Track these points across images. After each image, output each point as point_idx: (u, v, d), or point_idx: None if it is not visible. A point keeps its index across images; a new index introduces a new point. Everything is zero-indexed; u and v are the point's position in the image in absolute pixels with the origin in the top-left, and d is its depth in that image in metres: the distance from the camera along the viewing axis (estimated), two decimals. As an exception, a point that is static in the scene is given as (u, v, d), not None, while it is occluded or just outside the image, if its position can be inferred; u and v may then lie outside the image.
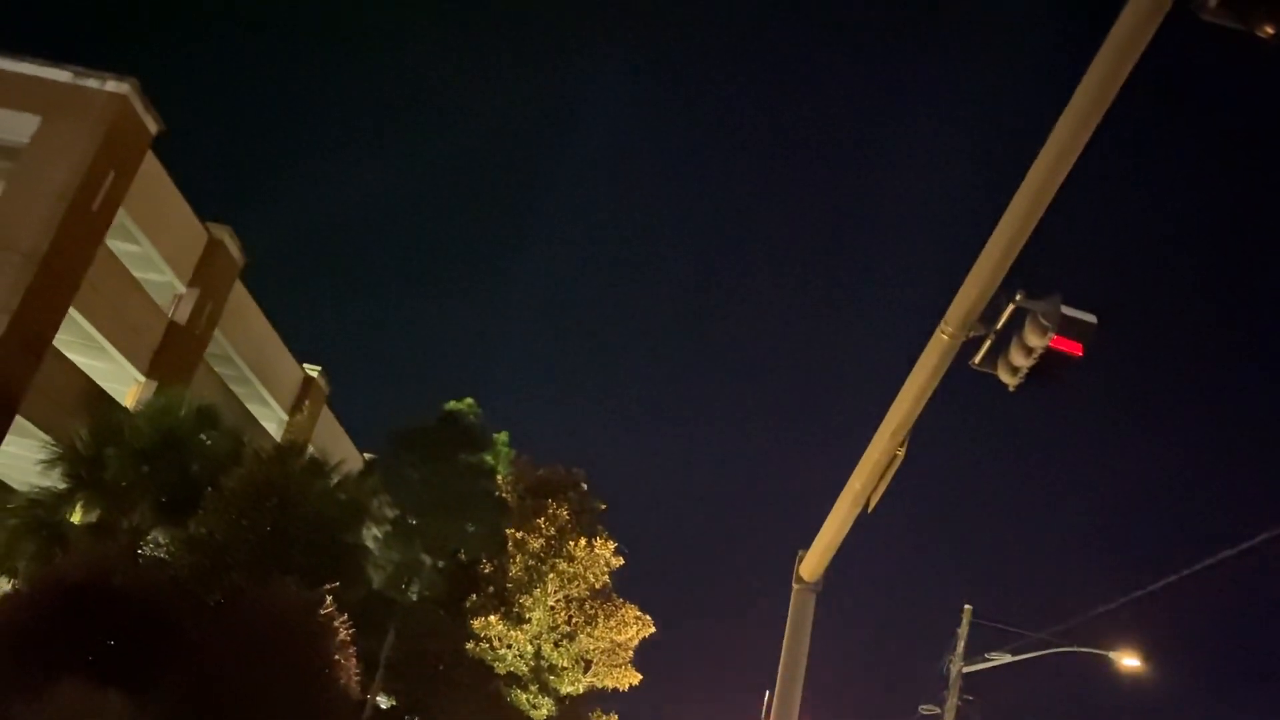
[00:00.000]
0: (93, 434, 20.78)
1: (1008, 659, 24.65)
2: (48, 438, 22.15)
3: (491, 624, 29.93)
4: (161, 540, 20.16)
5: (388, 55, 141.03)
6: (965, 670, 25.33)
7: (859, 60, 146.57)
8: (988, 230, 9.90)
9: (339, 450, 34.76)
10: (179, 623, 16.54)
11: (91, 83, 24.14)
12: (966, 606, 25.77)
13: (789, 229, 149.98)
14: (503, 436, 34.18)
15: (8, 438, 23.12)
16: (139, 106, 24.54)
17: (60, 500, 20.13)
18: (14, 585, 18.62)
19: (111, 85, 24.15)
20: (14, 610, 16.01)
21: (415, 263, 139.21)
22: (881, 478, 13.76)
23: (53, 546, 19.36)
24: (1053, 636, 23.88)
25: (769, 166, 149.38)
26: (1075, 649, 24.10)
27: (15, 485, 22.41)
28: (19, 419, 23.15)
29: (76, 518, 20.50)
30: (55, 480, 20.26)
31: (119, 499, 20.14)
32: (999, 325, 10.57)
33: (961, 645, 25.47)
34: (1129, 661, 24.16)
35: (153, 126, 25.21)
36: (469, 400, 32.69)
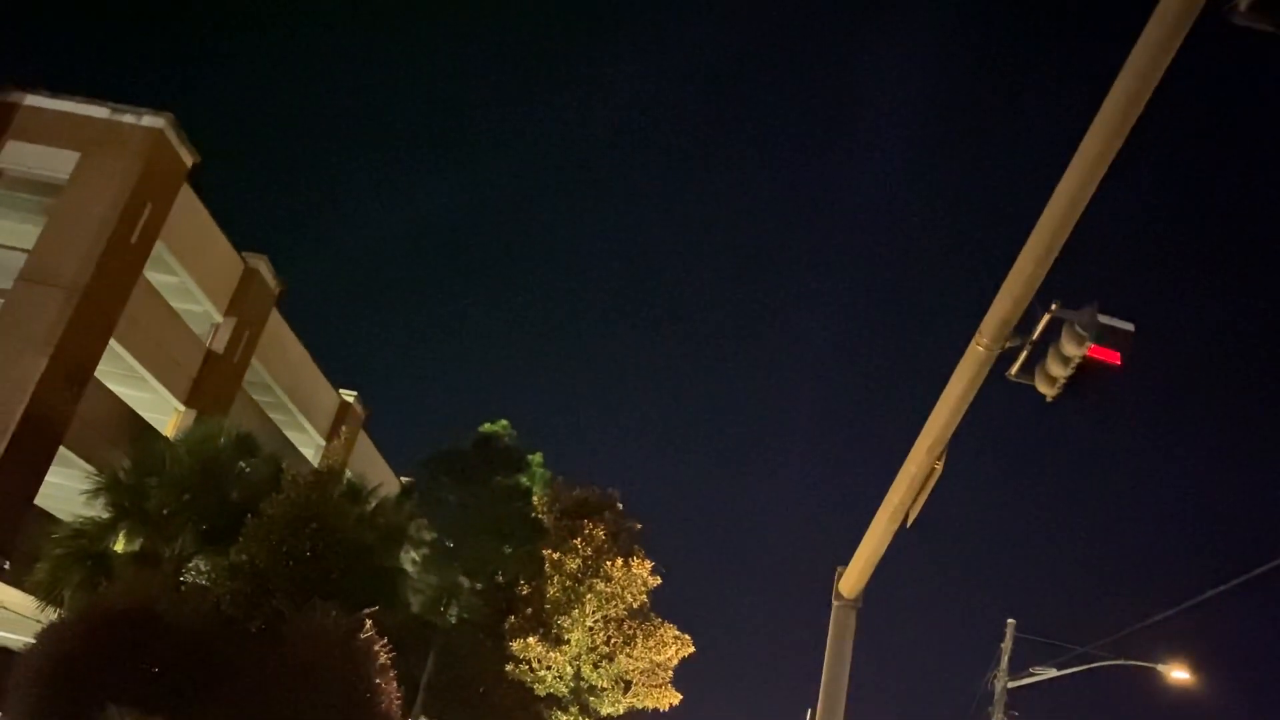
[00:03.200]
0: (135, 464, 21.02)
1: (1053, 674, 24.25)
2: (91, 468, 22.46)
3: (531, 646, 29.88)
4: (203, 568, 20.30)
5: (421, 82, 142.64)
6: (1009, 686, 24.95)
7: (880, 66, 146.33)
8: (1024, 238, 9.82)
9: (376, 474, 34.94)
10: (222, 649, 16.67)
11: (128, 118, 24.60)
12: (1010, 620, 25.41)
13: (819, 242, 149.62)
14: (538, 458, 34.21)
15: (52, 468, 23.48)
16: (174, 140, 24.96)
17: (104, 530, 20.33)
18: (60, 614, 18.83)
19: (148, 120, 24.60)
20: (61, 639, 16.20)
21: (449, 287, 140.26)
22: (920, 492, 13.68)
23: (97, 576, 19.55)
24: (1099, 650, 23.48)
25: (800, 180, 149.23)
26: (1123, 662, 23.66)
27: (60, 515, 22.69)
28: (63, 450, 23.52)
29: (120, 547, 20.71)
30: (99, 510, 20.48)
31: (161, 528, 20.33)
32: (1035, 335, 10.47)
33: (1005, 660, 25.11)
34: (1178, 675, 23.69)
35: (188, 159, 25.62)
36: (504, 422, 32.78)
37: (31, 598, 20.41)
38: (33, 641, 16.74)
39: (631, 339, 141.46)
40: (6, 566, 22.24)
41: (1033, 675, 24.62)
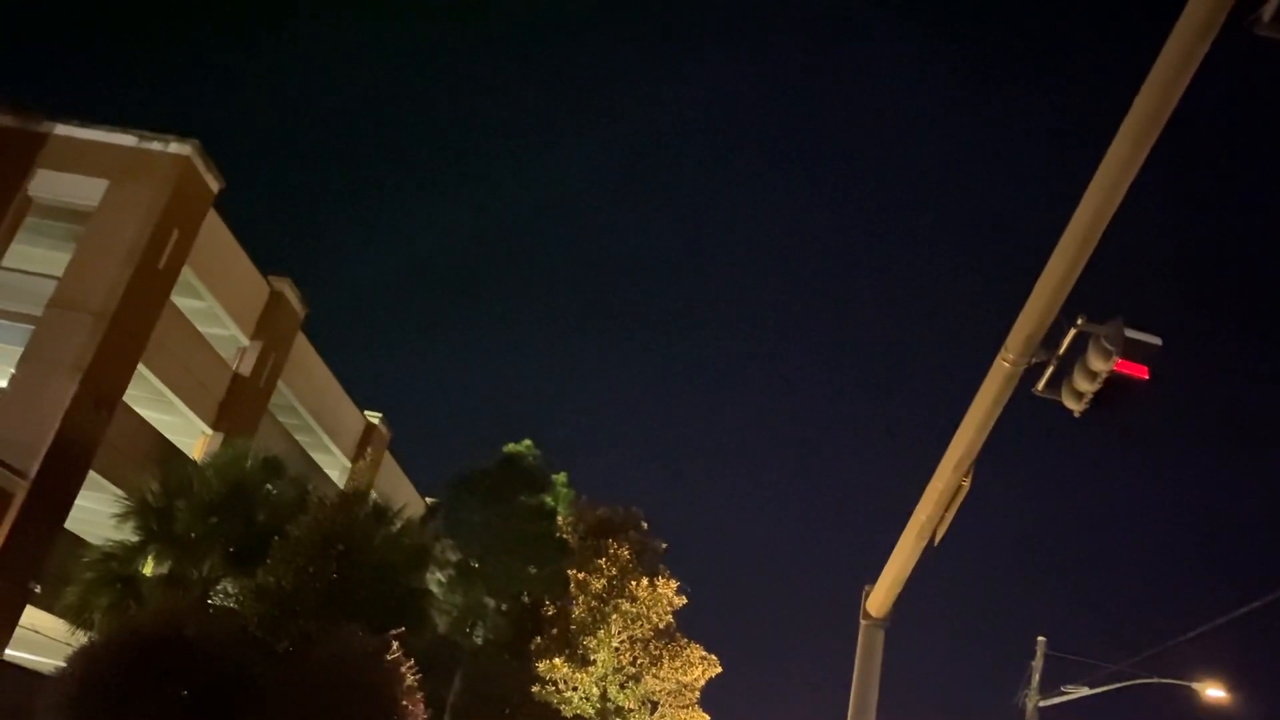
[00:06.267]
0: (163, 487, 21.17)
1: (1085, 692, 23.92)
2: (120, 491, 22.64)
3: (556, 666, 29.80)
4: (231, 590, 20.38)
5: (444, 106, 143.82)
6: (1041, 705, 24.64)
7: (897, 77, 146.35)
8: (1049, 251, 9.77)
9: (401, 495, 35.06)
10: (250, 671, 16.70)
11: (155, 146, 24.95)
12: (1040, 638, 25.10)
13: (844, 259, 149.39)
14: (561, 477, 34.24)
15: (82, 492, 23.69)
16: (201, 166, 25.28)
17: (133, 553, 20.49)
18: (90, 637, 18.94)
19: (174, 147, 24.94)
20: (90, 662, 16.27)
21: (472, 308, 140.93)
22: (947, 509, 13.58)
23: (126, 598, 19.69)
24: (1133, 668, 23.14)
25: (821, 197, 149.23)
26: (1157, 680, 23.30)
27: (90, 539, 22.89)
28: (92, 474, 23.74)
29: (149, 570, 20.85)
30: (128, 533, 20.64)
31: (189, 550, 20.46)
32: (1061, 351, 10.40)
33: (1036, 678, 24.79)
34: (1214, 693, 23.32)
35: (214, 185, 25.92)
36: (527, 442, 32.84)
37: (62, 621, 20.58)
38: (63, 664, 16.83)
39: (655, 357, 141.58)
40: (37, 590, 22.44)
41: (1065, 694, 24.29)
